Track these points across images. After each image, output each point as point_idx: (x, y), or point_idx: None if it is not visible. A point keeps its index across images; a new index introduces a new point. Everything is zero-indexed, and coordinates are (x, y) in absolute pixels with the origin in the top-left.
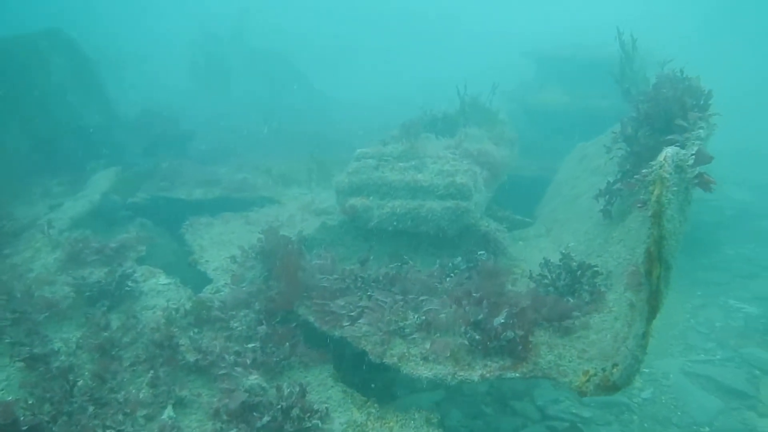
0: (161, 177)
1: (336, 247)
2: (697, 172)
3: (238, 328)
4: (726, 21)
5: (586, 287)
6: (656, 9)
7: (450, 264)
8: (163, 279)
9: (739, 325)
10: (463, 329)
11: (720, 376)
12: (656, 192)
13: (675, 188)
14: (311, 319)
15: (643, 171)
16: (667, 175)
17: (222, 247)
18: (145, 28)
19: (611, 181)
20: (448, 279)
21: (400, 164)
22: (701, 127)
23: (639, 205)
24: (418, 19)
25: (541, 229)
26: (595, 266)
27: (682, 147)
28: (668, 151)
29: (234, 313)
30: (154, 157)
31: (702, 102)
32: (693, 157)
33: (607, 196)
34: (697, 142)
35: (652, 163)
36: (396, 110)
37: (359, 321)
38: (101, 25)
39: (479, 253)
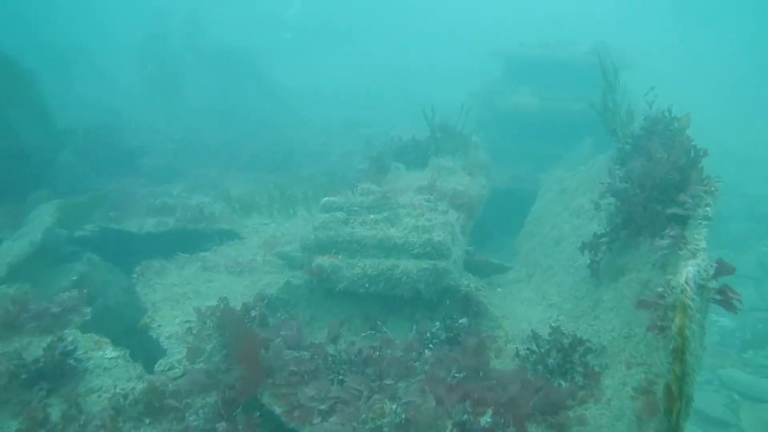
0: (110, 204)
1: (302, 308)
2: (718, 287)
3: (195, 423)
4: (695, 7)
5: (579, 368)
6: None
7: (428, 333)
8: (109, 352)
9: (714, 341)
10: (448, 430)
11: (699, 403)
12: (678, 323)
13: (697, 314)
14: (277, 411)
15: (659, 290)
16: (690, 302)
17: (176, 305)
18: (97, 22)
19: (598, 233)
20: (426, 351)
21: (372, 216)
22: (707, 204)
23: (655, 330)
24: (386, 5)
25: (522, 273)
26: (588, 341)
27: (687, 220)
28: (689, 272)
29: (190, 400)
30: (103, 177)
31: (693, 155)
32: (714, 269)
33: (594, 252)
34: (705, 222)
35: (672, 283)
36: (363, 102)
37: (331, 419)
38: (50, 18)
39: (460, 321)
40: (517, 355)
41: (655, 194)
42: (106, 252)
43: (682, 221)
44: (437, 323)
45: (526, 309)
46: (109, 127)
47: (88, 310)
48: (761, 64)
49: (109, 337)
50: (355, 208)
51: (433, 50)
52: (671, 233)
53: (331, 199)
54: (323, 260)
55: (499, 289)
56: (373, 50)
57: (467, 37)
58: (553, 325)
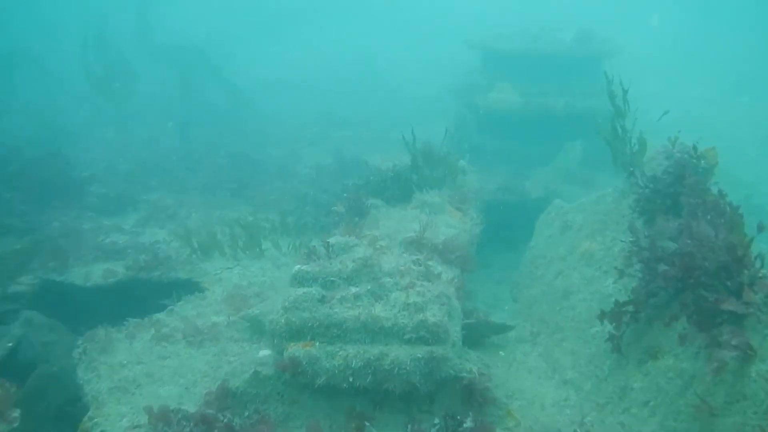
0: (51, 249)
1: (274, 403)
2: None
3: None
4: None
5: None
6: None
7: None
8: None
9: None
10: None
11: None
12: None
13: None
14: None
15: None
16: None
17: (124, 397)
18: (43, 22)
19: (620, 301)
20: None
21: (353, 290)
22: None
23: None
24: None
25: (525, 331)
26: None
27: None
28: None
29: None
30: (44, 213)
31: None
32: None
33: (616, 324)
34: None
35: None
36: (334, 95)
37: None
38: None
39: (465, 426)
40: None
41: (703, 279)
42: (48, 308)
43: (739, 319)
44: (436, 421)
45: (535, 384)
46: (51, 150)
47: (17, 414)
48: (739, 41)
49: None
50: (332, 278)
51: (407, 36)
52: (733, 341)
53: (303, 268)
54: (297, 350)
55: (501, 353)
56: (343, 37)
57: (443, 23)
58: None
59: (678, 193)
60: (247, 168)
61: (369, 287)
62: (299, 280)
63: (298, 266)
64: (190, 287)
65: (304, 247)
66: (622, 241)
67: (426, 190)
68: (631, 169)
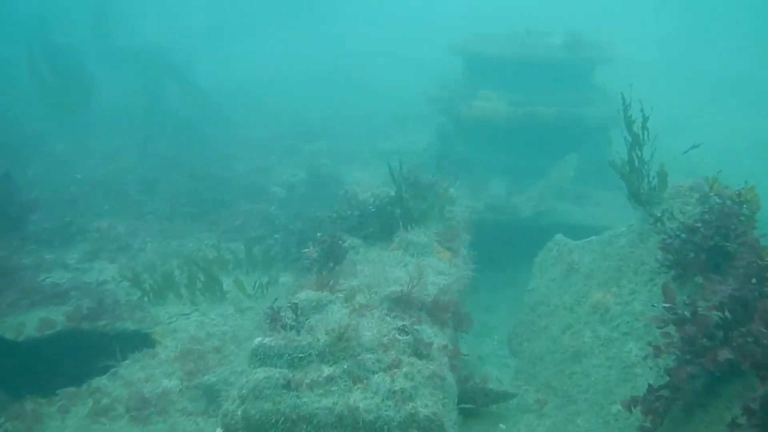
0: None
1: None
2: None
3: None
4: None
5: None
6: None
7: None
8: None
9: None
10: None
11: None
12: None
13: None
14: None
15: None
16: None
17: None
18: None
19: (654, 386)
20: None
21: (326, 370)
22: None
23: None
24: None
25: (529, 399)
26: None
27: None
28: None
29: None
30: None
31: None
32: None
33: (651, 416)
34: None
35: None
36: (307, 98)
37: None
38: None
39: None
40: None
41: None
42: None
43: None
44: None
45: None
46: None
47: None
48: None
49: None
50: (300, 355)
51: (388, 38)
52: None
53: (266, 342)
54: None
55: (501, 426)
56: (320, 38)
57: (426, 25)
58: None
59: (720, 247)
60: (210, 189)
61: (345, 366)
62: (260, 357)
63: (259, 339)
64: (139, 340)
65: (271, 285)
66: (654, 306)
67: (411, 227)
68: (659, 215)
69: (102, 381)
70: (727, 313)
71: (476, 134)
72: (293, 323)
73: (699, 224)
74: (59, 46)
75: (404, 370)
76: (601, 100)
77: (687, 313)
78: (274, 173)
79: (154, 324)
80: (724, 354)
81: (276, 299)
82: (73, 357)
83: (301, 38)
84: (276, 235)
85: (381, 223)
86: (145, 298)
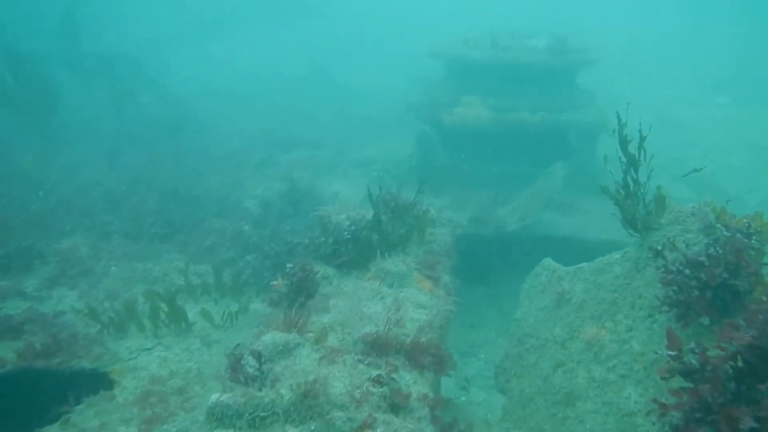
0: None
1: None
2: None
3: None
4: None
5: None
6: None
7: None
8: None
9: None
10: None
11: None
12: None
13: None
14: None
15: None
16: None
17: None
18: None
19: None
20: None
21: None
22: None
23: None
24: None
25: None
26: None
27: None
28: None
29: None
30: None
31: None
32: None
33: None
34: None
35: None
36: (285, 104)
37: None
38: None
39: None
40: None
41: None
42: None
43: None
44: None
45: None
46: None
47: None
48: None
49: None
50: (262, 414)
51: (368, 40)
52: None
53: (223, 400)
54: None
55: None
56: (298, 40)
57: (409, 25)
58: None
59: (728, 285)
60: (180, 205)
61: (313, 428)
62: (218, 417)
63: (216, 396)
64: (96, 380)
65: (239, 315)
66: (656, 353)
67: (388, 254)
68: (659, 248)
69: (53, 430)
70: (742, 364)
71: (459, 142)
72: (256, 372)
73: (704, 258)
74: (23, 53)
75: (379, 430)
76: (588, 104)
77: (695, 363)
78: (249, 186)
79: (113, 361)
80: (747, 421)
81: (238, 345)
82: (23, 401)
83: (281, 39)
84: (248, 257)
85: (357, 251)
86: (105, 331)
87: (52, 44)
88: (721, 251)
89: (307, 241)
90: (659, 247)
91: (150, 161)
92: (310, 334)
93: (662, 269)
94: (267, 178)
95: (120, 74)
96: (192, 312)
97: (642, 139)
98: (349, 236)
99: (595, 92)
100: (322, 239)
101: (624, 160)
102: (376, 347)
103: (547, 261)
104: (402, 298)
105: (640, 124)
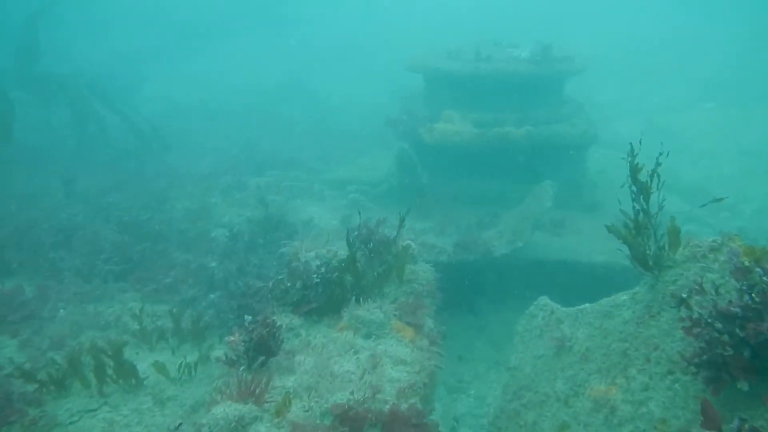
0: None
1: None
2: None
3: None
4: None
5: None
6: None
7: None
8: None
9: None
10: None
11: None
12: None
13: None
14: None
15: None
16: None
17: None
18: None
19: None
20: None
21: None
22: None
23: None
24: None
25: None
26: None
27: None
28: None
29: None
30: None
31: None
32: None
33: None
34: None
35: None
36: (258, 119)
37: None
38: None
39: None
40: None
41: None
42: None
43: None
44: None
45: None
46: None
47: None
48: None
49: None
50: None
51: (345, 52)
52: None
53: None
54: None
55: None
56: (272, 53)
57: (389, 40)
58: None
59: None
60: (140, 237)
61: None
62: None
63: None
64: None
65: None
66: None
67: (363, 300)
68: (684, 295)
69: None
70: None
71: (440, 160)
72: None
73: (739, 310)
74: None
75: None
76: (576, 115)
77: None
78: (218, 213)
79: (50, 427)
80: None
81: (180, 424)
82: None
83: (261, 51)
84: (212, 295)
85: (327, 296)
86: (44, 390)
87: (7, 62)
88: (759, 300)
89: (271, 285)
90: (684, 295)
91: (111, 187)
92: (271, 404)
93: (687, 321)
94: (237, 203)
95: (82, 93)
96: (146, 363)
97: (657, 164)
98: (318, 279)
99: (584, 102)
100: (288, 284)
101: (634, 189)
102: (348, 421)
103: (543, 300)
104: (379, 353)
105: (660, 152)
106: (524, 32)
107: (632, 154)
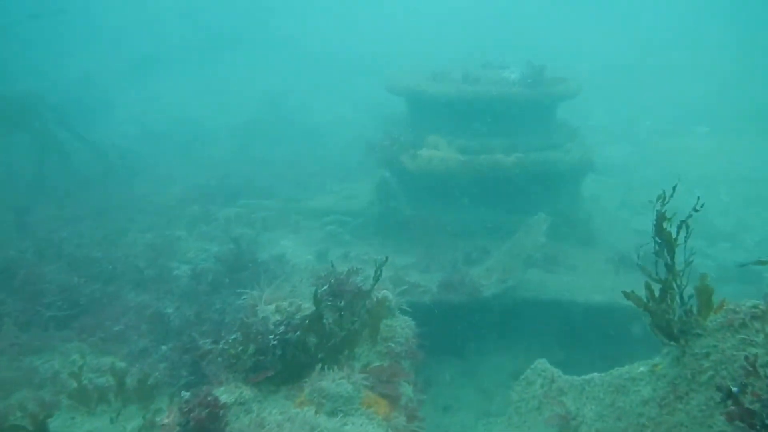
0: None
1: None
2: None
3: None
4: None
5: None
6: None
7: None
8: None
9: None
10: None
11: None
12: None
13: None
14: None
15: None
16: None
17: None
18: None
19: None
20: None
21: None
22: None
23: None
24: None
25: None
26: None
27: None
28: None
29: None
30: None
31: None
32: None
33: None
34: None
35: None
36: (232, 144)
37: None
38: None
39: None
40: None
41: None
42: None
43: None
44: None
45: None
46: None
47: None
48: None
49: None
50: None
51: (327, 73)
52: None
53: None
54: None
55: None
56: (249, 75)
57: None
58: None
59: None
60: (91, 277)
61: None
62: None
63: None
64: None
65: None
66: None
67: (329, 366)
68: (735, 389)
69: None
70: None
71: (424, 189)
72: None
73: None
74: None
75: None
76: (570, 141)
77: None
78: (182, 247)
79: None
80: None
81: None
82: None
83: (238, 72)
84: (164, 347)
85: (286, 362)
86: None
87: None
88: None
89: (221, 346)
90: (735, 388)
91: (69, 219)
92: None
93: (734, 412)
94: (204, 237)
95: (44, 117)
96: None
97: (686, 223)
98: (276, 341)
99: (578, 127)
100: (240, 348)
101: (658, 241)
102: None
103: (542, 365)
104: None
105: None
106: (512, 51)
107: (662, 200)
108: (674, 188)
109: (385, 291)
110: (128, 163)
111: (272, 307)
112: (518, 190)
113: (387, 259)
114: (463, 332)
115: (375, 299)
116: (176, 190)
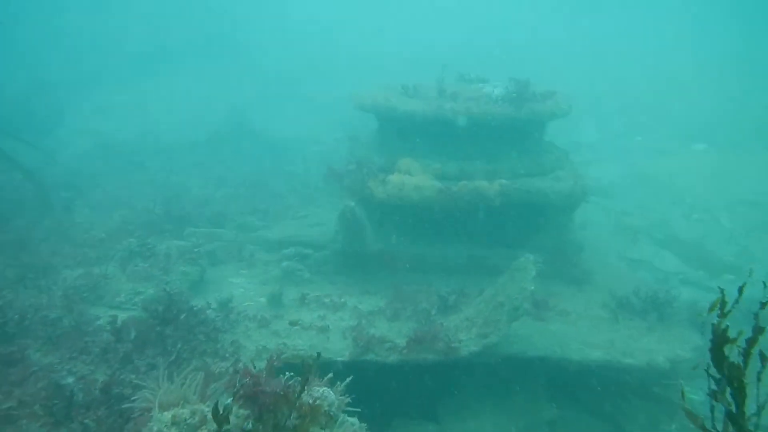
0: None
1: None
2: None
3: None
4: None
5: None
6: None
7: None
8: None
9: None
10: None
11: None
12: None
13: None
14: None
15: None
16: None
17: None
18: None
19: None
20: None
21: None
22: None
23: None
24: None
25: None
26: None
27: None
28: None
29: None
30: None
31: None
32: None
33: None
34: None
35: None
36: (187, 160)
37: None
38: None
39: None
40: None
41: None
42: None
43: None
44: None
45: None
46: None
47: None
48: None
49: None
50: None
51: (294, 85)
52: None
53: None
54: None
55: None
56: (211, 87)
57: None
58: None
59: None
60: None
61: None
62: None
63: None
64: None
65: None
66: None
67: None
68: None
69: None
70: None
71: (394, 220)
72: None
73: None
74: None
75: None
76: (561, 166)
77: None
78: (111, 290)
79: None
80: None
81: None
82: None
83: (205, 82)
84: None
85: None
86: None
87: None
88: None
89: None
90: None
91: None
92: None
93: None
94: (139, 276)
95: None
96: None
97: (757, 333)
98: None
99: (568, 150)
100: None
101: (716, 377)
102: None
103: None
104: None
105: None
106: (496, 69)
107: (721, 310)
108: (741, 289)
109: (323, 390)
110: (74, 182)
111: (168, 416)
112: (502, 222)
113: (319, 355)
114: (436, 391)
115: (308, 404)
116: (119, 215)
